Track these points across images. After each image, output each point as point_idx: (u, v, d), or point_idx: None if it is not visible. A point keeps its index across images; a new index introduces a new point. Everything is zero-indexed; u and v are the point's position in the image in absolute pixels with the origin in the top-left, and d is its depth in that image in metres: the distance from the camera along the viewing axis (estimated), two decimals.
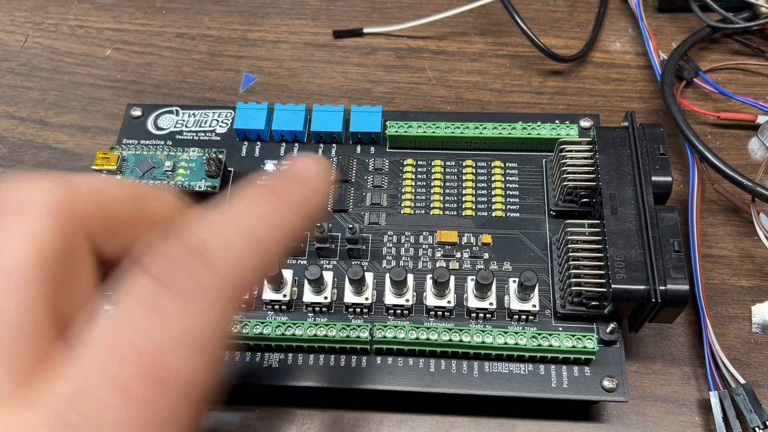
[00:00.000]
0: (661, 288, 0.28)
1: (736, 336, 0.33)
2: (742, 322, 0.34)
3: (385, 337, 0.29)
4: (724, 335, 0.33)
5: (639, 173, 0.31)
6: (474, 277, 0.30)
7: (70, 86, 0.43)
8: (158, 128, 0.37)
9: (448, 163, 0.36)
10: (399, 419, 0.32)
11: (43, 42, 0.45)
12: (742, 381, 0.30)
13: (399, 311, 0.31)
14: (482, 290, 0.30)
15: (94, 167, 0.33)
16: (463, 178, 0.35)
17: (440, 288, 0.30)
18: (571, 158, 0.32)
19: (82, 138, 0.41)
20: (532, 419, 0.31)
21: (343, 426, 0.31)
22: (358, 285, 0.31)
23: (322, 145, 0.37)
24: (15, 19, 0.46)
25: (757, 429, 0.29)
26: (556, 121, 0.36)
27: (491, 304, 0.31)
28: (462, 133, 0.35)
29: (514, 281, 0.31)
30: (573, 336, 0.29)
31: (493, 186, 0.35)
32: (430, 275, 0.31)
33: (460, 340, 0.29)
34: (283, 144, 0.37)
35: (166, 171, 0.34)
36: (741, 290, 0.34)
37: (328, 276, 0.32)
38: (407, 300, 0.31)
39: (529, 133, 0.35)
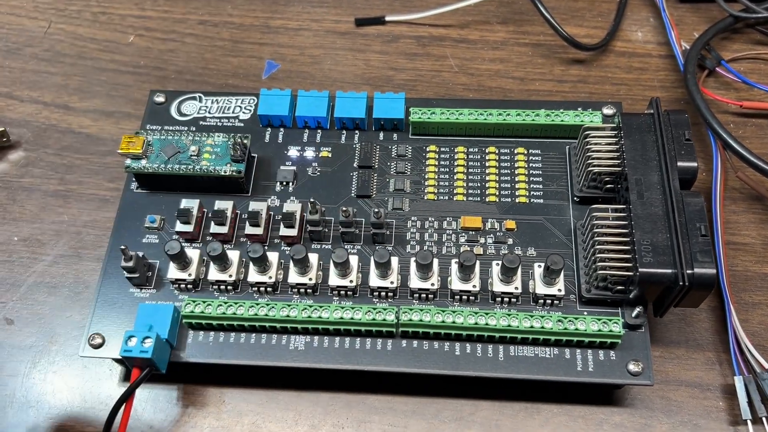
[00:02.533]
0: (688, 272, 0.28)
1: (759, 322, 0.33)
2: (765, 308, 0.34)
3: (411, 320, 0.30)
4: (747, 321, 0.33)
5: (665, 158, 0.31)
6: (499, 262, 0.31)
7: (94, 72, 0.43)
8: (182, 114, 0.37)
9: (471, 150, 0.36)
10: (424, 402, 0.32)
11: (66, 28, 0.45)
12: (767, 366, 0.30)
13: (424, 295, 0.31)
14: (508, 274, 0.30)
15: (119, 151, 0.34)
16: (487, 164, 0.35)
17: (466, 272, 0.30)
18: (596, 144, 0.32)
19: (105, 123, 0.41)
20: (556, 403, 0.32)
21: (368, 408, 0.32)
22: (384, 269, 0.31)
23: (344, 132, 0.37)
24: (38, 6, 0.47)
25: None
26: (579, 109, 0.36)
27: (516, 288, 0.31)
28: (485, 119, 0.35)
29: (539, 266, 0.31)
30: (599, 320, 0.29)
31: (516, 172, 0.35)
32: (455, 259, 0.31)
33: (486, 324, 0.29)
34: (306, 130, 0.37)
35: (191, 155, 0.34)
36: (764, 277, 0.34)
37: (354, 260, 0.32)
38: (432, 284, 0.31)
39: (552, 120, 0.35)
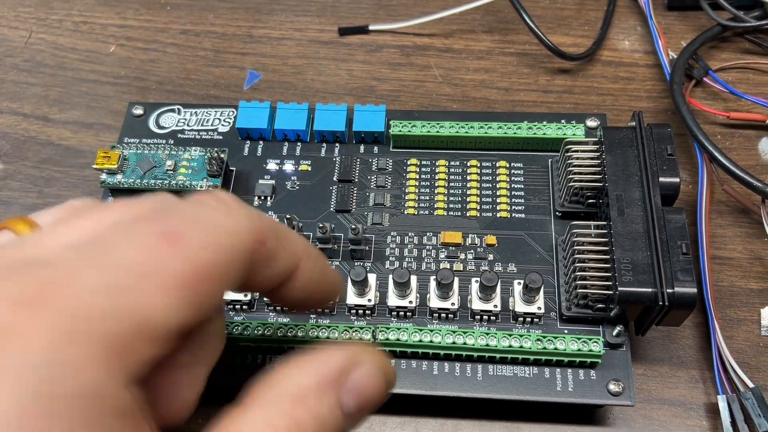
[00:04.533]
0: (668, 291, 0.27)
1: (744, 339, 0.33)
2: (750, 324, 0.33)
3: (388, 339, 0.29)
4: (732, 338, 0.33)
5: (646, 174, 0.30)
6: (478, 279, 0.30)
7: (74, 82, 0.43)
8: (160, 127, 0.37)
9: (452, 163, 0.35)
10: (402, 422, 0.31)
11: (47, 38, 0.45)
12: (751, 385, 0.30)
13: (402, 313, 0.31)
14: (487, 292, 0.30)
15: (95, 166, 0.33)
16: (468, 178, 0.35)
17: (444, 290, 0.30)
18: (578, 158, 0.32)
19: (85, 135, 0.41)
20: (537, 423, 0.31)
21: None
22: (361, 286, 0.30)
23: (324, 145, 0.36)
24: (19, 15, 0.46)
25: None
26: (563, 121, 0.35)
27: (495, 306, 0.30)
28: (467, 132, 0.35)
29: (519, 283, 0.31)
30: (579, 339, 0.29)
31: (498, 186, 0.34)
32: (434, 277, 0.31)
33: (464, 343, 0.29)
34: (286, 143, 0.36)
35: (167, 170, 0.34)
36: (750, 293, 0.34)
37: None
38: (410, 302, 0.31)
39: (534, 133, 0.34)
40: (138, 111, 0.37)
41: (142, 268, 0.16)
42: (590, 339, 0.29)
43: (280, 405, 0.18)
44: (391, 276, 0.30)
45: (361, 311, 0.31)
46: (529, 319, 0.30)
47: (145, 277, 0.16)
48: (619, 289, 0.28)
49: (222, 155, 0.34)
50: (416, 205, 0.34)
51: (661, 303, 0.27)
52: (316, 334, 0.29)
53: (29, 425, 0.13)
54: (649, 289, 0.27)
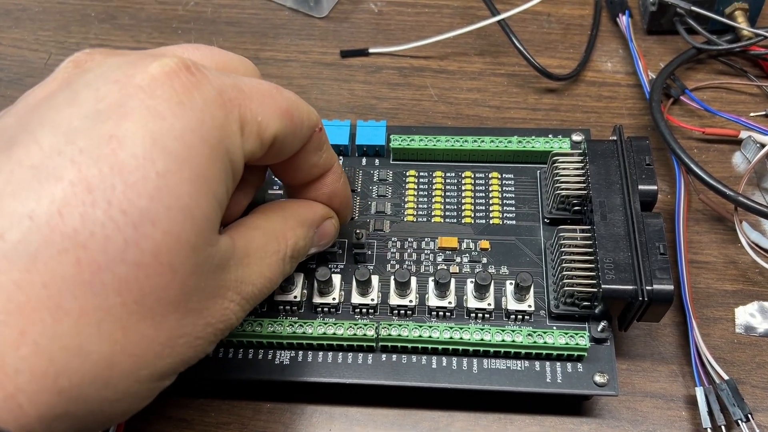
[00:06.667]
0: (647, 288, 0.30)
1: (720, 336, 0.35)
2: (726, 323, 0.35)
3: (390, 335, 0.31)
4: (709, 335, 0.35)
5: (627, 182, 0.33)
6: (473, 279, 0.33)
7: None
8: None
9: (448, 174, 0.38)
10: (403, 414, 0.33)
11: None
12: (726, 377, 0.32)
13: (403, 311, 0.33)
14: (481, 291, 0.32)
15: None
16: (463, 188, 0.37)
17: (441, 289, 0.32)
18: (564, 169, 0.34)
19: None
20: (529, 414, 0.33)
21: (350, 420, 0.33)
22: (365, 286, 0.33)
23: None
24: (39, 38, 0.49)
25: (739, 421, 0.31)
26: (550, 136, 0.38)
27: (489, 304, 0.32)
28: (461, 146, 0.37)
29: (511, 283, 0.33)
30: (566, 334, 0.31)
31: (490, 195, 0.37)
32: (432, 277, 0.33)
33: (461, 338, 0.31)
34: None
35: None
36: (725, 294, 0.36)
37: (336, 279, 0.34)
38: (410, 301, 0.33)
39: (524, 146, 0.37)
40: None
41: (263, 90, 0.25)
42: (577, 333, 0.31)
43: (289, 221, 0.29)
44: (392, 276, 0.32)
45: (364, 310, 0.33)
46: (521, 317, 0.33)
47: (263, 95, 0.25)
48: (603, 286, 0.30)
49: None
50: (415, 213, 0.37)
51: (641, 299, 0.30)
52: (323, 330, 0.32)
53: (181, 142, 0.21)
54: (630, 286, 0.30)
